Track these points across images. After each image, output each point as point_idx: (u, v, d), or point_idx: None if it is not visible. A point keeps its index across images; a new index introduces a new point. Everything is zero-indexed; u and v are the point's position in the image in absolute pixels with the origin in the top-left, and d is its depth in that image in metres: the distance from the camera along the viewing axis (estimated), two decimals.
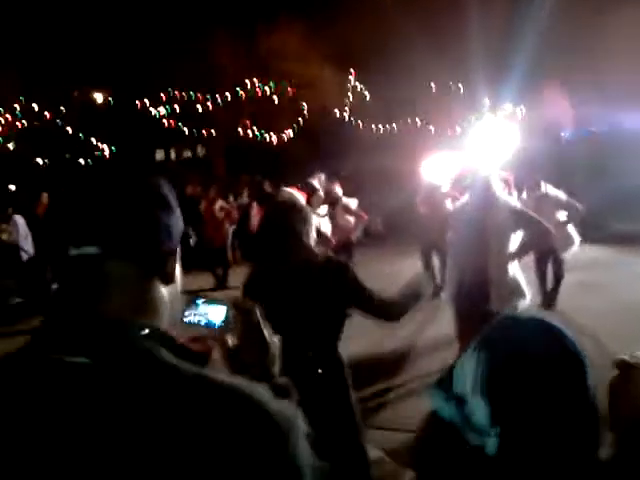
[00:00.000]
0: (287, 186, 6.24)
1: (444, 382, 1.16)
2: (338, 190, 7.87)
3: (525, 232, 4.53)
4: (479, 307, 4.31)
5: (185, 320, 1.16)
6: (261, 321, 1.20)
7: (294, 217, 2.78)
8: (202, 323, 1.17)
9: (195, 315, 1.18)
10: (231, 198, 12.02)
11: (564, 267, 6.90)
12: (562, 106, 12.97)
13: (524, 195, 7.07)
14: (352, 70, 18.28)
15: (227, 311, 1.18)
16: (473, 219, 4.55)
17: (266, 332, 1.21)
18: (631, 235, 9.82)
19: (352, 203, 7.91)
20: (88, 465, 0.73)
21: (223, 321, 1.17)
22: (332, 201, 7.67)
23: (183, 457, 0.74)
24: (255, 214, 11.27)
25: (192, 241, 9.05)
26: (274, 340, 1.22)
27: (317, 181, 8.24)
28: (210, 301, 1.20)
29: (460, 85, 17.07)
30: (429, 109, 17.83)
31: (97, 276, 0.91)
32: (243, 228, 11.09)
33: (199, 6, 15.19)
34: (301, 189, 8.05)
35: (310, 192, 7.55)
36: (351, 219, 7.73)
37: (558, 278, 6.89)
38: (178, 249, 1.02)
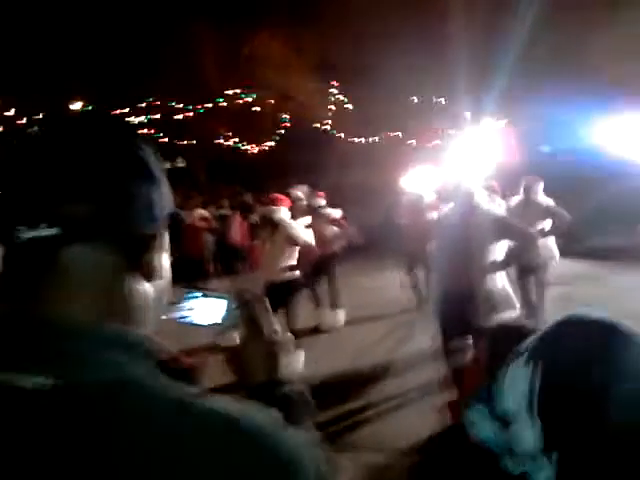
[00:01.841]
0: (273, 196, 6.14)
1: (484, 399, 0.97)
2: (321, 201, 7.81)
3: (510, 241, 4.49)
4: (463, 319, 4.22)
5: (178, 318, 0.99)
6: (267, 315, 1.05)
7: None
8: (198, 321, 1.01)
9: (190, 311, 1.01)
10: (212, 209, 11.86)
11: (546, 279, 6.89)
12: (507, 143, 13.08)
13: (512, 201, 7.07)
14: (335, 82, 18.30)
15: (229, 305, 1.02)
16: (456, 229, 4.49)
17: (272, 327, 1.05)
18: (611, 249, 9.90)
19: (336, 214, 7.87)
20: None
21: (224, 317, 1.01)
22: (315, 212, 7.60)
23: None
24: (237, 225, 11.17)
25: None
26: (284, 337, 1.08)
27: (300, 192, 8.18)
28: (208, 294, 1.03)
29: (442, 99, 17.19)
30: (411, 122, 17.90)
31: (54, 267, 0.68)
32: (224, 239, 10.97)
33: (180, 15, 15.10)
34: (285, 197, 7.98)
35: (292, 201, 7.48)
36: (334, 228, 7.67)
37: (541, 290, 6.87)
38: (166, 234, 0.80)
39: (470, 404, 0.98)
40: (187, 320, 1.01)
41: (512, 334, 1.13)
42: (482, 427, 0.95)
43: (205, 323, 1.02)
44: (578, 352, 0.88)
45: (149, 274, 0.75)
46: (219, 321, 1.02)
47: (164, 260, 0.79)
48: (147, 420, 0.62)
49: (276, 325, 1.06)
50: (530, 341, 0.95)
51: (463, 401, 1.28)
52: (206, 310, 1.02)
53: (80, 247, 0.69)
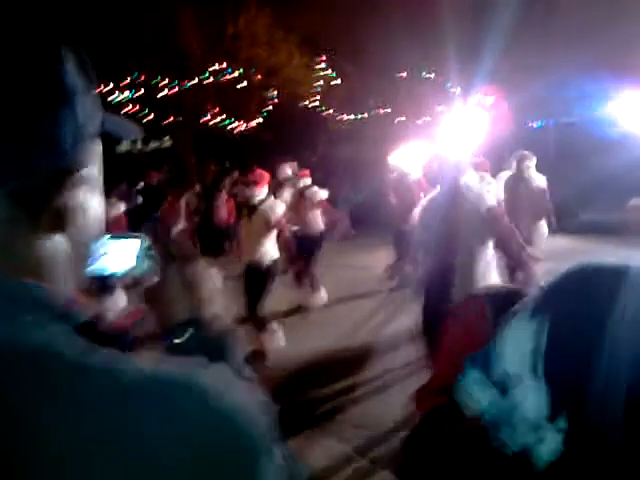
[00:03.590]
0: (254, 174, 5.97)
1: (485, 359, 0.83)
2: (307, 180, 7.65)
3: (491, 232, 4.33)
4: (446, 300, 4.10)
5: (88, 269, 0.82)
6: (187, 249, 0.89)
7: None
8: (112, 268, 0.85)
9: (102, 257, 0.85)
10: (198, 187, 11.69)
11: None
12: (499, 110, 12.95)
13: (502, 176, 6.99)
14: (323, 58, 18.02)
15: (141, 244, 0.88)
16: (442, 207, 4.40)
17: (193, 256, 0.92)
18: (601, 225, 9.88)
19: (322, 194, 7.68)
20: None
21: (139, 258, 0.87)
22: (301, 190, 7.46)
23: None
24: (223, 204, 11.01)
25: None
26: (208, 271, 0.91)
27: (290, 169, 8.03)
28: (118, 235, 0.88)
29: (431, 74, 16.98)
30: (400, 97, 17.70)
31: None
32: (210, 218, 10.80)
33: None
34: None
35: (280, 179, 7.34)
36: (318, 215, 7.48)
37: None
38: (94, 167, 0.62)
39: (464, 371, 0.84)
40: (99, 271, 0.85)
41: (513, 296, 0.98)
42: (477, 395, 0.82)
43: (119, 270, 0.87)
44: (590, 302, 0.75)
45: (60, 222, 0.57)
46: (133, 264, 0.87)
47: (90, 201, 0.61)
48: (72, 399, 0.48)
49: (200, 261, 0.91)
50: (534, 295, 0.82)
51: (430, 388, 1.15)
52: (119, 254, 0.87)
53: None
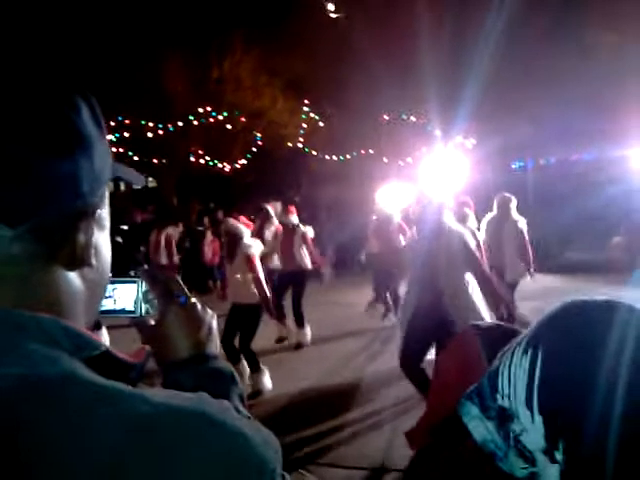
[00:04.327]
0: (238, 215, 6.03)
1: (480, 393, 0.84)
2: (294, 218, 7.69)
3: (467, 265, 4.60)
4: (431, 333, 4.38)
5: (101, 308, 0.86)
6: (185, 291, 0.91)
7: None
8: (117, 309, 0.92)
9: (109, 299, 0.91)
10: (180, 227, 11.69)
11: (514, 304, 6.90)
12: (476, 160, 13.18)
13: (485, 219, 7.10)
14: (306, 101, 18.32)
15: (138, 288, 0.92)
16: (425, 246, 4.62)
17: (189, 295, 0.92)
18: (583, 264, 10.01)
19: (308, 232, 7.75)
20: None
21: (136, 301, 0.92)
22: (290, 228, 7.49)
23: None
24: (209, 243, 11.03)
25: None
26: (206, 311, 0.92)
27: (272, 208, 8.08)
28: (117, 280, 0.92)
29: (412, 117, 17.32)
30: (381, 140, 18.00)
31: None
32: (194, 257, 10.79)
33: (150, 33, 14.99)
34: (255, 217, 7.85)
35: (263, 219, 7.38)
36: (305, 252, 7.52)
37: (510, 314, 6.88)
38: (105, 209, 0.65)
39: (460, 405, 0.85)
40: (106, 309, 0.91)
41: (504, 332, 1.00)
42: (475, 429, 0.82)
43: (117, 309, 0.92)
44: (582, 336, 0.77)
45: (77, 260, 0.60)
46: (131, 307, 0.92)
47: (101, 242, 0.64)
48: (103, 420, 0.50)
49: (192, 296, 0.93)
50: (528, 330, 0.83)
51: (423, 426, 1.15)
52: (118, 296, 0.92)
53: None
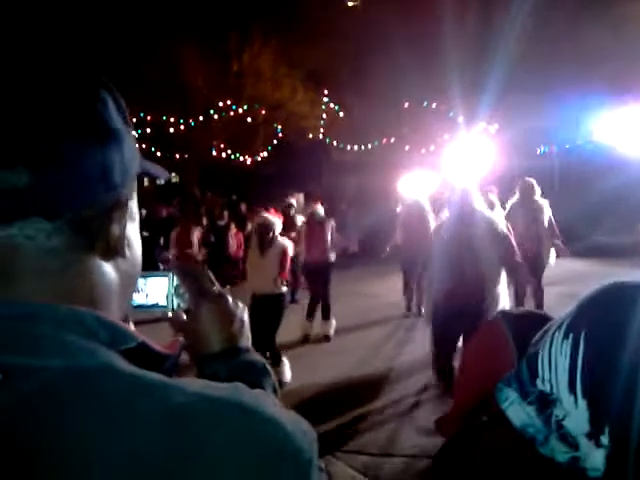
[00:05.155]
0: (262, 209, 6.08)
1: (519, 379, 0.83)
2: (320, 210, 7.66)
3: (497, 250, 4.52)
4: (460, 322, 4.31)
5: (134, 303, 0.89)
6: (216, 285, 0.93)
7: None
8: (149, 303, 0.93)
9: (141, 293, 0.92)
10: (205, 221, 11.77)
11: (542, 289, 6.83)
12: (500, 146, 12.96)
13: (508, 205, 7.01)
14: (325, 90, 18.25)
15: (169, 282, 0.93)
16: (455, 232, 4.53)
17: (222, 290, 0.93)
18: (611, 247, 9.85)
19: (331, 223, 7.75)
20: None
21: (167, 296, 0.93)
22: (316, 221, 7.45)
23: None
24: (233, 236, 11.11)
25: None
26: (238, 305, 0.93)
27: (295, 201, 8.09)
28: (148, 274, 0.93)
29: (434, 103, 17.13)
30: (403, 128, 17.85)
31: None
32: (220, 250, 10.86)
33: (170, 27, 15.06)
34: (277, 211, 7.87)
35: (287, 214, 7.39)
36: (329, 244, 7.53)
37: (539, 302, 6.80)
38: (134, 201, 0.67)
39: (498, 392, 0.84)
40: (137, 303, 0.93)
41: (531, 319, 0.99)
42: (515, 415, 0.81)
43: (149, 304, 0.94)
44: (624, 317, 0.75)
45: (111, 251, 0.62)
46: (164, 302, 0.93)
47: (132, 233, 0.66)
48: (141, 411, 0.51)
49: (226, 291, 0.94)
50: (567, 314, 0.82)
51: (453, 416, 1.14)
52: (150, 291, 0.93)
53: (17, 227, 0.56)
